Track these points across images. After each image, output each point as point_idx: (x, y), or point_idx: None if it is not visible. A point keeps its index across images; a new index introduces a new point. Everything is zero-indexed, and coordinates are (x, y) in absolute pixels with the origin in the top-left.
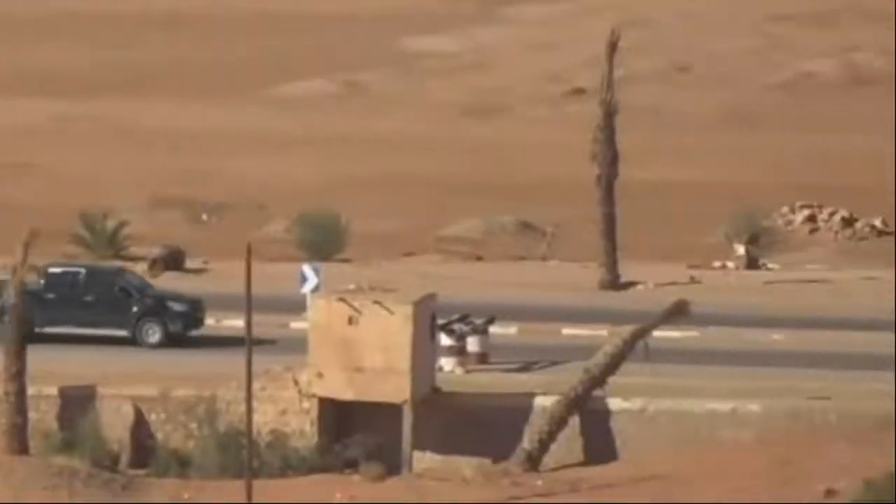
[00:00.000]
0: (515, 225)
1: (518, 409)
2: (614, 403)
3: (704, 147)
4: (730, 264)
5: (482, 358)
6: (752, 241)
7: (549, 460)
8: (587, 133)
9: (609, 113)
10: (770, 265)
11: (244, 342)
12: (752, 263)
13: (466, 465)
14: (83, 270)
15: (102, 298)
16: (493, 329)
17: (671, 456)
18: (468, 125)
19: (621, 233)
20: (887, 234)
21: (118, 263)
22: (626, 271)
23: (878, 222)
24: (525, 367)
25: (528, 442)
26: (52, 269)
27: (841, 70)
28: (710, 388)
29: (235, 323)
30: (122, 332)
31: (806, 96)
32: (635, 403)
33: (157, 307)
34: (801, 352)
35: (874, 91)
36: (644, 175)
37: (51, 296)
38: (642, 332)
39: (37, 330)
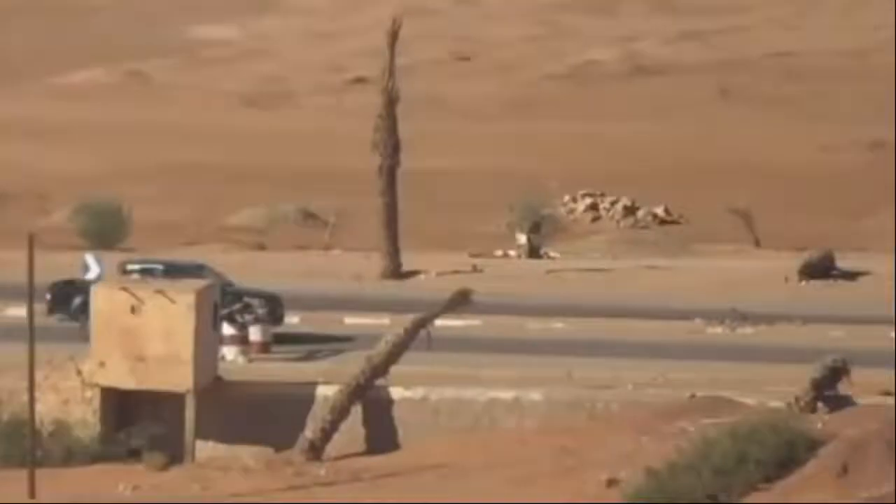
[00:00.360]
0: (298, 214)
1: (300, 398)
2: (396, 392)
3: (486, 135)
4: (512, 253)
5: (264, 347)
6: (534, 229)
7: (331, 449)
8: (369, 122)
9: (390, 102)
10: (552, 254)
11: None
12: (533, 252)
13: (249, 454)
14: (161, 266)
15: None
16: None
17: (453, 444)
18: (250, 114)
19: (403, 222)
20: (669, 222)
21: (199, 259)
22: (408, 260)
23: (660, 210)
24: (308, 357)
25: (310, 431)
26: (130, 266)
27: (622, 59)
28: (492, 377)
29: (18, 312)
30: None
31: (588, 85)
32: (417, 392)
33: (237, 303)
34: (582, 340)
35: (655, 80)
36: (426, 164)
37: None
38: (424, 321)
39: None
